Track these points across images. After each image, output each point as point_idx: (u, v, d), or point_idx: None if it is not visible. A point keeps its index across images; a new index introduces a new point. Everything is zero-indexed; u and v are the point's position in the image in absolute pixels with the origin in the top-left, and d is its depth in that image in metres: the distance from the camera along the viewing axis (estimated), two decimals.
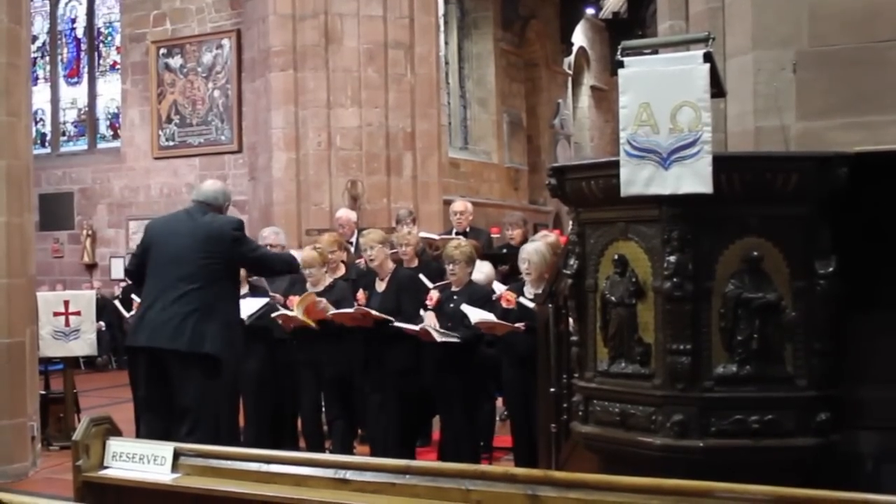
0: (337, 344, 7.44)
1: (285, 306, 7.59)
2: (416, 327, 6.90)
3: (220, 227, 6.40)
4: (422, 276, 7.67)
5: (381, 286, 7.38)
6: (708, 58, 3.91)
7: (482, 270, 7.50)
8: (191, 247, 6.28)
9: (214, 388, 6.27)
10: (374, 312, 7.05)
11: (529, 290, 6.70)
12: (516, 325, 6.56)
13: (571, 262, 4.40)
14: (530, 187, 22.76)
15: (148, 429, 6.42)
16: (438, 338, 6.79)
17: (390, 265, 7.46)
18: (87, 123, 19.12)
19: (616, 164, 3.98)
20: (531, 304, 6.52)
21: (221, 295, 6.35)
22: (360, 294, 7.33)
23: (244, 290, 7.66)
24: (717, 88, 4.17)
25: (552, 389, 5.52)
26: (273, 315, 7.54)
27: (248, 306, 7.45)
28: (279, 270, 7.27)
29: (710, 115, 3.84)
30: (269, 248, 8.18)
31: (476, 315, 6.66)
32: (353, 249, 9.11)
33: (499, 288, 7.25)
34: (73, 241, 18.43)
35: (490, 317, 6.66)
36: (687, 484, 3.09)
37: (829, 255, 3.91)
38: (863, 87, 4.92)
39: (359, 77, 12.77)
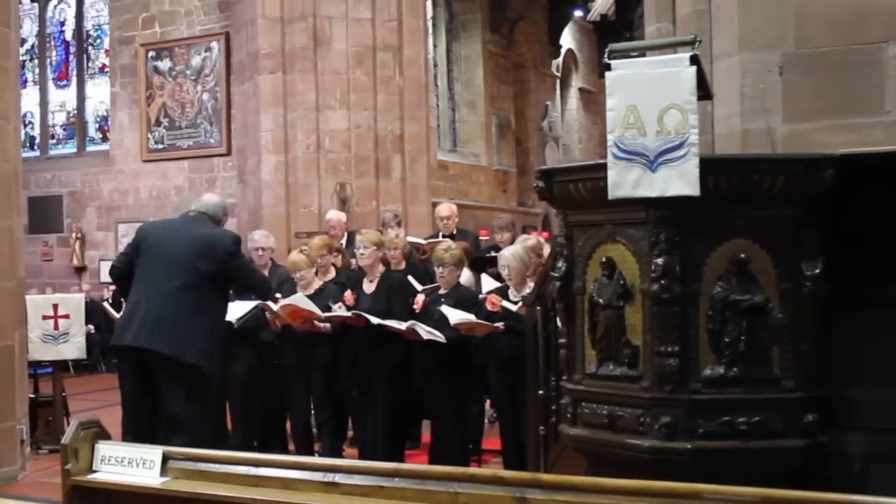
0: (326, 346, 7.44)
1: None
2: (403, 326, 6.90)
3: (219, 238, 6.49)
4: (411, 279, 7.69)
5: (369, 287, 7.38)
6: (695, 60, 3.92)
7: (464, 275, 7.50)
8: (188, 252, 6.33)
9: (201, 399, 6.27)
10: (372, 319, 7.04)
11: (514, 294, 6.71)
12: (495, 325, 6.57)
13: (559, 264, 4.40)
14: (519, 189, 22.77)
15: (130, 431, 6.35)
16: (425, 335, 6.79)
17: (381, 267, 7.47)
18: (76, 126, 19.08)
19: (604, 167, 3.98)
20: (514, 307, 6.53)
21: (212, 302, 6.38)
22: (348, 294, 7.33)
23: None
24: (704, 91, 4.18)
25: (540, 392, 5.52)
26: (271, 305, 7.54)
27: (237, 309, 7.45)
28: (259, 294, 7.31)
29: (696, 117, 3.85)
30: (259, 250, 8.20)
31: (455, 316, 6.66)
32: (343, 245, 9.10)
33: (490, 288, 7.25)
34: (62, 244, 18.39)
35: (470, 317, 6.66)
36: (675, 486, 3.10)
37: (816, 256, 3.91)
38: (849, 89, 4.95)
39: (347, 80, 12.81)
